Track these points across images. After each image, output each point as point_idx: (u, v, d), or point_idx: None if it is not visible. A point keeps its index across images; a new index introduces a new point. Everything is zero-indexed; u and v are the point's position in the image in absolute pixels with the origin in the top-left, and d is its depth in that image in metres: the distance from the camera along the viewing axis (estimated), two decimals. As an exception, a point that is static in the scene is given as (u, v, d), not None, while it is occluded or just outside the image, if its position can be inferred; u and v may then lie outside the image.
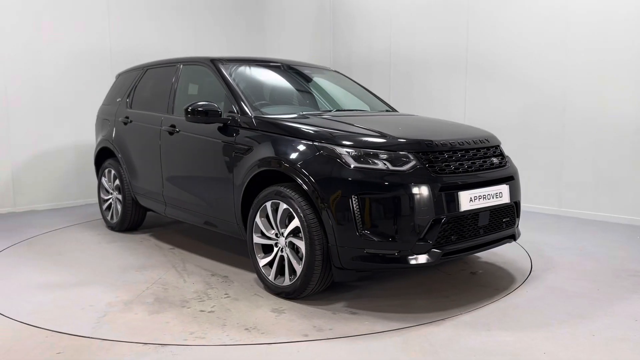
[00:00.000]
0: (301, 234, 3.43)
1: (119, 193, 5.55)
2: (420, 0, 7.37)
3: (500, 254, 4.58)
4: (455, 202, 3.32)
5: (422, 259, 3.23)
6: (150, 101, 5.21)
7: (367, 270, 3.47)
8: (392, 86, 7.76)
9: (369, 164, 3.28)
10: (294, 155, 3.50)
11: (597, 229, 5.64)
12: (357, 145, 3.37)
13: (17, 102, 6.63)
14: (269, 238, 3.70)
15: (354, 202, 3.21)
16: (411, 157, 3.31)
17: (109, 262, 4.50)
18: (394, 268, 3.28)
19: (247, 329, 3.13)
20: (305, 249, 3.38)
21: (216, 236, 5.32)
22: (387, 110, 4.95)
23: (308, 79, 4.98)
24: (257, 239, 3.77)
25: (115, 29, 7.31)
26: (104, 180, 5.81)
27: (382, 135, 3.48)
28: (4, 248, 4.98)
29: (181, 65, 4.88)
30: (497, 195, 3.61)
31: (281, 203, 3.54)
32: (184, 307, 3.47)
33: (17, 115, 6.64)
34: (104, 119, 5.88)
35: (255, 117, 3.91)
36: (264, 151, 3.70)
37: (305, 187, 3.38)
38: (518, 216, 3.88)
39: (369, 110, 4.85)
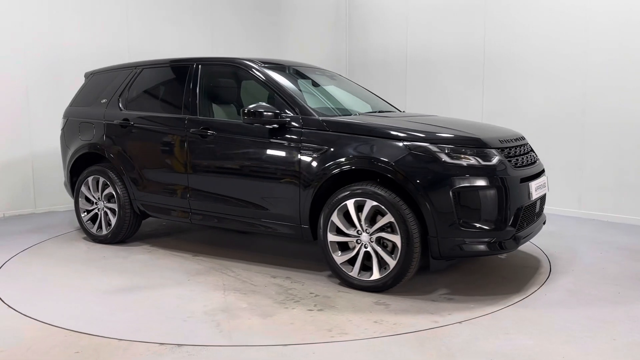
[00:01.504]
0: (389, 229, 3.62)
1: (109, 202, 5.15)
2: (436, -1, 7.37)
3: (518, 257, 4.58)
4: (529, 191, 3.76)
5: (511, 244, 3.61)
6: (157, 102, 4.92)
7: (458, 258, 3.76)
8: (408, 86, 7.70)
9: (462, 159, 3.56)
10: (386, 154, 3.65)
11: (618, 231, 5.51)
12: (448, 142, 3.63)
13: (38, 103, 6.60)
14: (347, 235, 3.81)
15: (454, 196, 3.48)
16: (495, 152, 3.66)
17: (143, 275, 4.18)
18: (488, 254, 3.60)
19: (375, 322, 3.22)
20: (401, 242, 3.55)
21: (225, 237, 5.19)
22: (402, 112, 5.27)
23: (329, 82, 5.10)
24: (332, 237, 3.85)
25: (134, 30, 7.23)
26: (83, 188, 5.33)
27: (466, 133, 3.78)
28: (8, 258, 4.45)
29: (199, 65, 4.71)
30: (544, 185, 4.12)
31: (368, 201, 3.67)
32: (287, 309, 3.44)
33: (38, 116, 6.62)
34: (82, 122, 5.38)
35: (324, 119, 3.98)
36: (347, 152, 3.79)
37: (402, 184, 3.57)
38: (544, 204, 4.45)
39: (398, 111, 5.13)
